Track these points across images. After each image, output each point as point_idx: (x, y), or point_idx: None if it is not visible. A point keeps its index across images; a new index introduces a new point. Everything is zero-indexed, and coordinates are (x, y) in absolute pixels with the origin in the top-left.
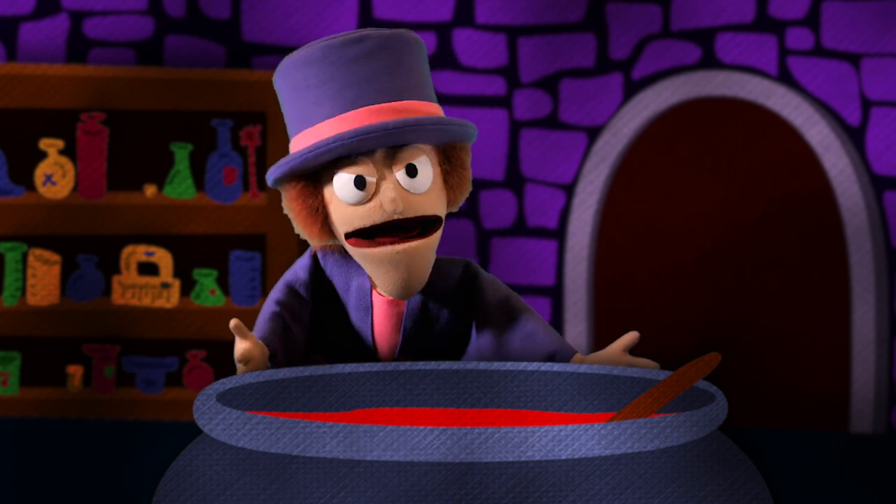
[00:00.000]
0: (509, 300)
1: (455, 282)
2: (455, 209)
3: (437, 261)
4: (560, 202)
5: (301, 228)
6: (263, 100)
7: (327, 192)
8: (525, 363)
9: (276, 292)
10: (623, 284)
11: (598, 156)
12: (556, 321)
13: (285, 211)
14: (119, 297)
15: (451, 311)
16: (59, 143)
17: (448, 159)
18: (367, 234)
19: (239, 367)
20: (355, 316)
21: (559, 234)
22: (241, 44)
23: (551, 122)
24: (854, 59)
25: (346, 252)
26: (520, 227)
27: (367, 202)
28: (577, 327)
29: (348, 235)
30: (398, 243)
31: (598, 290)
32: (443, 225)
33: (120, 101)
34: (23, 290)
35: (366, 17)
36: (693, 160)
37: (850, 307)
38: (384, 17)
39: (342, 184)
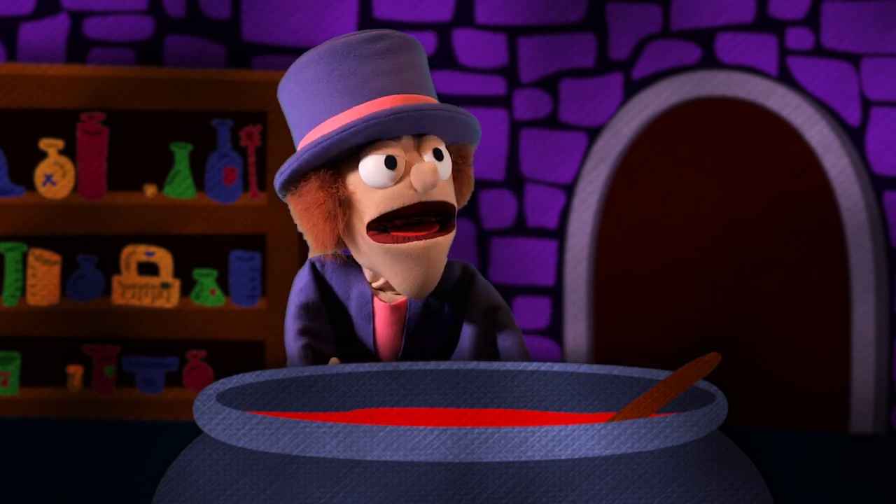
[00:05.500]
0: (497, 311)
1: (453, 283)
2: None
3: None
4: (560, 202)
5: (316, 229)
6: (263, 100)
7: (350, 182)
8: (525, 363)
9: (295, 321)
10: (623, 284)
11: (598, 156)
12: (556, 321)
13: (296, 216)
14: (119, 297)
15: (450, 314)
16: (59, 143)
17: (459, 156)
18: (387, 225)
19: None
20: (356, 323)
21: (559, 234)
22: (241, 44)
23: (551, 122)
24: (854, 59)
25: (346, 260)
26: (520, 227)
27: (396, 183)
28: (577, 327)
29: (371, 226)
30: (419, 239)
31: (598, 290)
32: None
33: (120, 101)
34: (23, 290)
35: (366, 17)
36: (693, 160)
37: (850, 307)
38: (384, 16)
39: (371, 165)
